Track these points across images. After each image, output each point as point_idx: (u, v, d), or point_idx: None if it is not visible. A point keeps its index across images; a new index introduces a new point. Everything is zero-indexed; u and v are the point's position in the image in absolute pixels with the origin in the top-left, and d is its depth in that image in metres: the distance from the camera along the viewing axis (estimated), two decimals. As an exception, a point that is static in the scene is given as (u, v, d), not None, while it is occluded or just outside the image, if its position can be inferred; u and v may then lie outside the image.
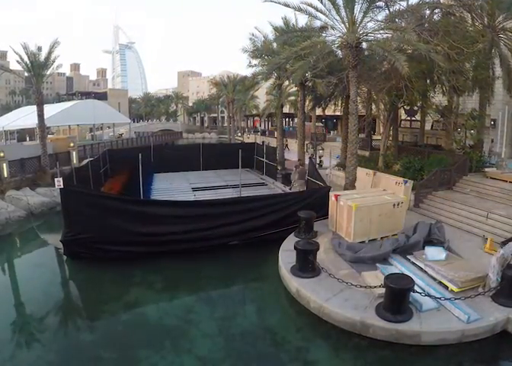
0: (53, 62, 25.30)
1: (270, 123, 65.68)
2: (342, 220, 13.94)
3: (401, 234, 13.51)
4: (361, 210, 13.17)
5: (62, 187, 13.43)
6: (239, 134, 71.96)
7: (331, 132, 52.69)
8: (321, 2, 17.85)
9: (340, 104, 31.80)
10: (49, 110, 35.41)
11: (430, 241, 13.03)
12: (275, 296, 11.50)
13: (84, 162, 27.38)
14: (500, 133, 27.37)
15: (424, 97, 20.84)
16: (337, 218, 14.32)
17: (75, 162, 29.18)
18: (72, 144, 30.51)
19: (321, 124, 54.25)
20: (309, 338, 9.47)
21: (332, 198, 14.70)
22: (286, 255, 12.46)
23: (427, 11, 21.36)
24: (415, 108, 27.07)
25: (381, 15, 18.74)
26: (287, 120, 64.23)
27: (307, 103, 30.35)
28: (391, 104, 23.19)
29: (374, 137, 36.00)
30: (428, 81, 19.80)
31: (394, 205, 13.85)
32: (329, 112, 43.63)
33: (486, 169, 20.52)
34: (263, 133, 60.68)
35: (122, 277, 12.93)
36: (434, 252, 11.79)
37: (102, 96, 75.92)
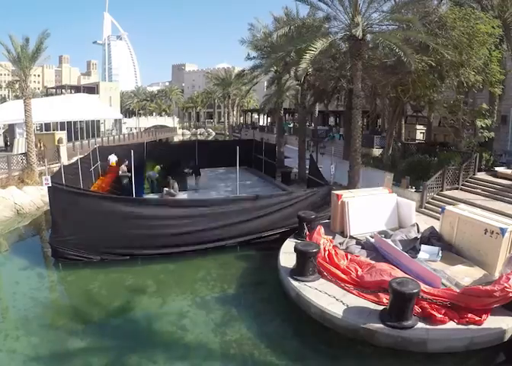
0: (39, 50, 25.02)
1: (268, 119, 65.64)
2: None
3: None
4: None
5: (50, 185, 13.41)
6: (237, 130, 71.93)
7: (333, 128, 52.61)
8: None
9: (343, 99, 31.79)
10: (37, 104, 35.21)
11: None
12: (274, 301, 11.49)
13: (74, 159, 27.36)
14: (511, 129, 27.37)
15: (431, 92, 20.83)
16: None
17: (63, 159, 29.15)
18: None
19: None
20: (310, 344, 9.47)
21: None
22: (286, 257, 12.44)
23: (435, 2, 21.39)
24: (422, 104, 27.07)
25: (386, 6, 18.80)
26: (289, 116, 64.26)
27: (308, 98, 30.33)
28: (396, 100, 23.20)
29: (378, 134, 35.96)
30: (436, 75, 19.78)
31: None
32: (331, 107, 43.64)
33: (496, 168, 20.54)
34: (261, 130, 60.57)
35: (112, 281, 12.92)
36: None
37: (92, 89, 75.39)
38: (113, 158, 27.67)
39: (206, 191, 23.00)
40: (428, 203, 18.29)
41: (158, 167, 23.87)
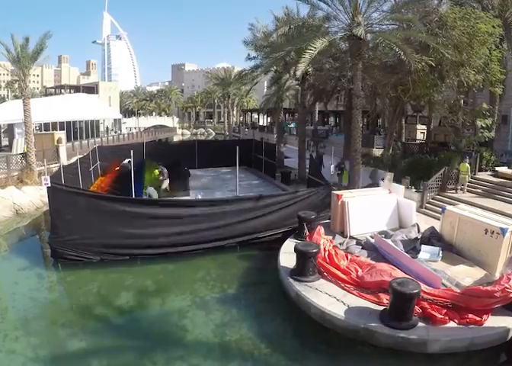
0: (39, 50, 24.96)
1: (268, 119, 65.69)
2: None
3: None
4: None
5: (49, 185, 13.40)
6: (236, 130, 71.96)
7: (333, 128, 52.65)
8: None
9: (343, 99, 31.80)
10: (36, 104, 35.21)
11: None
12: (274, 301, 11.49)
13: (73, 159, 27.31)
14: (511, 129, 27.39)
15: (432, 91, 20.84)
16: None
17: (63, 159, 29.12)
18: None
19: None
20: (310, 345, 9.46)
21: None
22: (286, 257, 12.45)
23: (435, 1, 21.40)
24: (422, 104, 27.08)
25: (386, 6, 18.81)
26: (289, 116, 64.34)
27: (308, 97, 30.35)
28: (396, 99, 23.21)
29: (379, 134, 35.97)
30: (436, 75, 19.80)
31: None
32: (331, 107, 43.68)
33: (497, 168, 20.53)
34: (261, 129, 60.62)
35: (112, 281, 12.92)
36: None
37: (91, 89, 75.44)
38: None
39: (211, 191, 23.00)
40: (428, 203, 18.27)
41: (156, 171, 22.91)
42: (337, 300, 9.87)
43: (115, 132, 62.84)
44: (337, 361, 8.99)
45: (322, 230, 13.17)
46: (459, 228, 12.33)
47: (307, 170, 23.17)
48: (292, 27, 21.55)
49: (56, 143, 30.63)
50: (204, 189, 23.64)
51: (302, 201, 15.78)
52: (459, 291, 9.48)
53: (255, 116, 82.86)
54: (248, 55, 29.49)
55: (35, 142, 26.44)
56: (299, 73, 17.64)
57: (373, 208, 14.63)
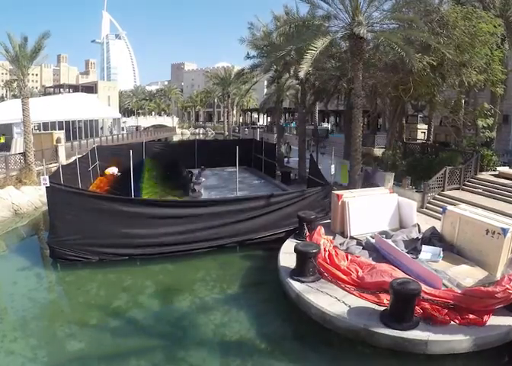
0: (38, 50, 24.96)
1: (268, 119, 65.68)
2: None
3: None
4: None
5: (48, 185, 13.40)
6: (236, 130, 72.00)
7: (334, 128, 52.65)
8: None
9: (343, 99, 31.78)
10: (35, 104, 35.22)
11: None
12: (274, 302, 11.49)
13: (72, 158, 27.30)
14: (512, 129, 27.42)
15: (433, 91, 20.83)
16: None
17: (62, 158, 29.09)
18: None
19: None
20: (310, 345, 9.46)
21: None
22: (286, 257, 12.45)
23: (436, 0, 21.38)
24: (422, 103, 27.07)
25: (387, 5, 18.81)
26: (289, 115, 64.38)
27: (308, 97, 30.34)
28: (397, 99, 23.19)
29: (379, 134, 35.96)
30: (437, 74, 19.78)
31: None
32: (331, 107, 43.65)
33: (498, 168, 20.52)
34: (261, 129, 60.56)
35: (111, 282, 12.93)
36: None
37: (91, 89, 75.53)
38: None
39: (213, 191, 23.02)
40: (429, 203, 18.25)
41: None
42: (338, 300, 9.88)
43: (110, 132, 62.54)
44: (337, 361, 9.00)
45: (322, 230, 13.17)
46: (460, 228, 12.33)
47: (307, 170, 23.17)
48: (292, 26, 21.51)
49: (54, 143, 30.63)
50: (206, 189, 23.66)
51: (303, 200, 15.80)
52: (459, 292, 9.48)
53: (255, 115, 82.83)
54: (248, 54, 29.51)
55: (34, 142, 26.42)
56: (301, 74, 17.56)
57: (374, 208, 14.64)
